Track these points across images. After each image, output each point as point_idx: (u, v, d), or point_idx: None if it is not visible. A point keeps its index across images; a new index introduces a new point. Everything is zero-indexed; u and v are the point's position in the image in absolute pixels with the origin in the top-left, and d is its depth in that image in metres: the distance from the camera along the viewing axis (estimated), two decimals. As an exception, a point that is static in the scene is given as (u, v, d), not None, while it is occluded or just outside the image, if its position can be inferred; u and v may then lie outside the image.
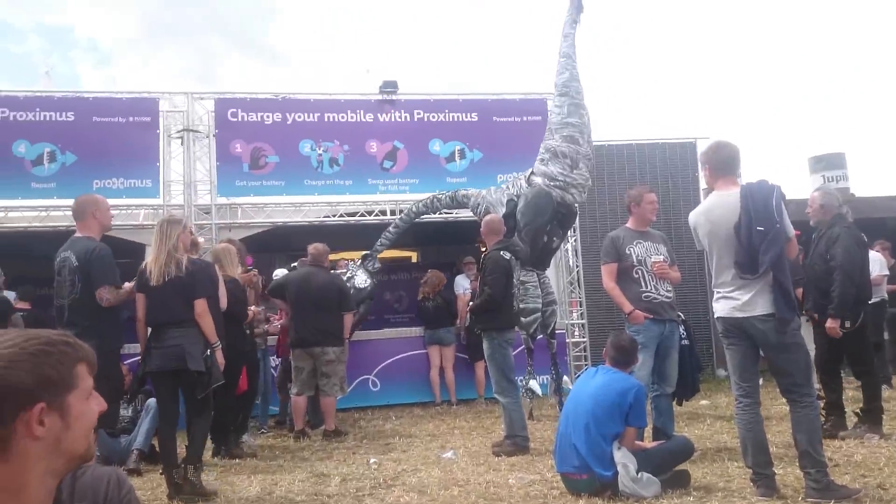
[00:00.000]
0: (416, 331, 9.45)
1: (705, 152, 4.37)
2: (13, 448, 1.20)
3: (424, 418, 7.94)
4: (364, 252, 8.91)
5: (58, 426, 1.24)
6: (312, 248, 7.39)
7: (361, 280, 8.35)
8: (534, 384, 7.54)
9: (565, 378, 7.99)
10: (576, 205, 7.58)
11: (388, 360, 9.16)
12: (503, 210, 7.63)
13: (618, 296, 5.25)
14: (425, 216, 9.58)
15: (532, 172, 7.66)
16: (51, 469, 1.25)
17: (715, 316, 4.38)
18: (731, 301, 4.11)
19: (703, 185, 10.55)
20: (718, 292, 4.26)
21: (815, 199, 5.86)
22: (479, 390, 9.03)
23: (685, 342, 5.41)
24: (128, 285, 5.00)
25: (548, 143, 7.42)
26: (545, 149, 7.42)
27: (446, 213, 9.80)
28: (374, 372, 9.03)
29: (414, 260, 15.61)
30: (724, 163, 4.23)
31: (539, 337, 7.60)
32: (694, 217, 4.35)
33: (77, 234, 5.04)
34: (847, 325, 5.53)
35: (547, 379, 8.48)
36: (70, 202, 8.56)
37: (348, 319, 7.25)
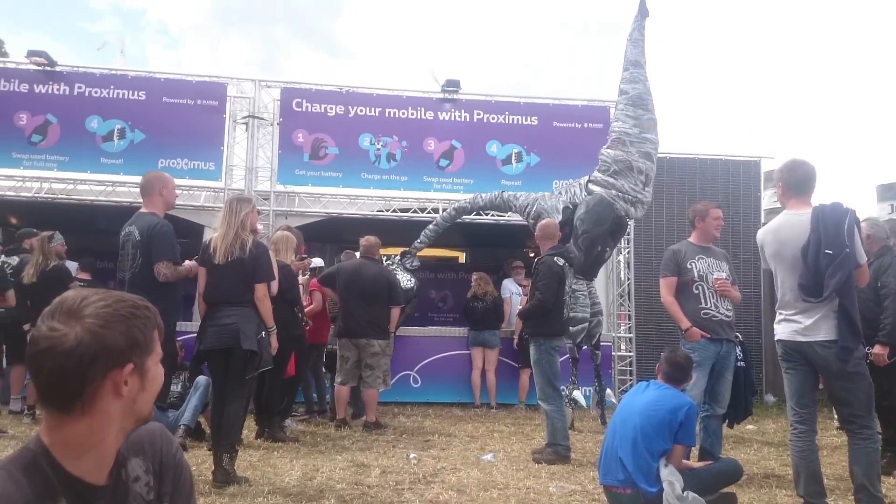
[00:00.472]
0: (460, 331, 9.46)
1: (781, 169, 4.25)
2: (98, 405, 1.25)
3: (463, 419, 7.93)
4: (403, 249, 8.88)
5: (137, 387, 1.30)
6: (364, 240, 7.47)
7: (405, 279, 8.35)
8: (577, 394, 7.45)
9: (608, 391, 7.88)
10: (629, 219, 7.47)
11: (431, 358, 9.18)
12: (559, 217, 7.48)
13: (676, 311, 5.13)
14: (476, 217, 9.58)
15: (590, 180, 7.53)
16: (123, 427, 1.31)
17: (775, 338, 4.26)
18: (792, 324, 4.01)
19: (765, 205, 10.32)
20: (781, 314, 4.15)
21: (862, 230, 5.70)
22: (521, 396, 8.99)
23: (741, 364, 5.27)
24: (188, 263, 5.10)
25: (618, 154, 7.18)
26: (614, 159, 7.18)
27: (497, 215, 9.77)
28: (416, 368, 9.06)
29: (461, 260, 15.63)
30: (798, 182, 4.11)
31: (584, 348, 7.51)
32: (762, 235, 4.25)
33: (142, 210, 5.16)
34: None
35: (589, 391, 8.38)
36: (136, 179, 8.92)
37: (395, 313, 7.29)
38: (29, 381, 7.07)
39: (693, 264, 5.13)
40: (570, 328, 7.22)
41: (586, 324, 7.27)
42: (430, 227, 8.81)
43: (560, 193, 7.84)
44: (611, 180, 7.21)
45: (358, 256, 7.78)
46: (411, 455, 5.70)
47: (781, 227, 4.10)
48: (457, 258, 15.81)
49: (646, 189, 7.21)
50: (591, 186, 7.44)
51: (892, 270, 5.43)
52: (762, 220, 9.73)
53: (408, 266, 8.55)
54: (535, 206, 7.87)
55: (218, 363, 4.86)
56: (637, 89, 7.25)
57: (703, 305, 5.09)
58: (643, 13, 7.37)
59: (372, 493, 4.52)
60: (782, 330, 4.11)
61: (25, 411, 7.04)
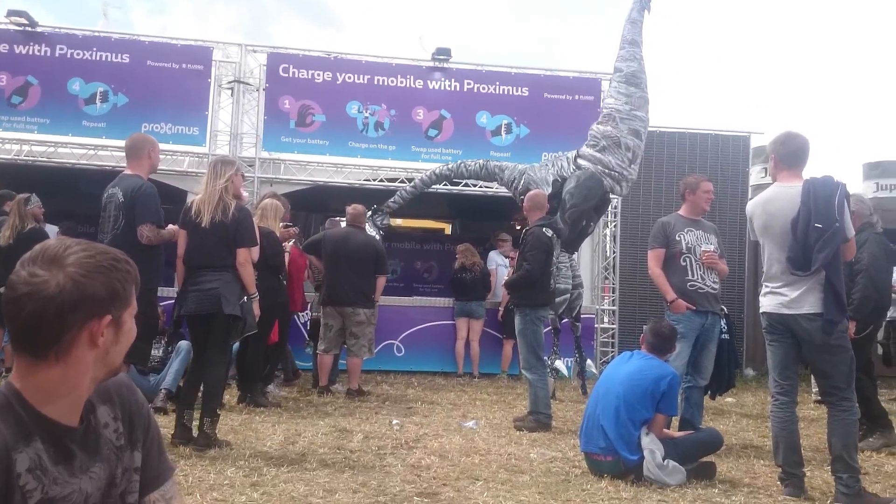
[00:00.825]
0: (444, 301, 9.46)
1: (774, 141, 4.22)
2: (73, 353, 1.26)
3: (446, 387, 7.97)
4: (374, 206, 8.68)
5: (111, 339, 1.30)
6: (351, 208, 7.40)
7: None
8: (559, 364, 7.52)
9: (588, 361, 7.93)
10: (613, 195, 7.51)
11: (415, 328, 9.20)
12: (549, 190, 7.50)
13: (662, 283, 5.13)
14: (463, 188, 9.51)
15: (578, 155, 7.53)
16: (94, 376, 1.32)
17: (760, 310, 4.27)
18: (778, 297, 4.01)
19: (752, 180, 10.34)
20: (766, 286, 4.15)
21: None
22: (504, 366, 9.03)
23: (725, 336, 5.28)
24: (171, 227, 5.02)
25: (607, 130, 7.23)
26: (603, 135, 7.22)
27: (484, 187, 9.71)
28: (400, 338, 9.07)
29: (447, 232, 15.61)
30: (791, 155, 4.09)
31: (564, 319, 7.55)
32: (751, 207, 4.24)
33: (126, 172, 5.05)
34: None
35: (570, 361, 8.43)
36: (119, 142, 8.74)
37: (381, 282, 7.27)
38: (7, 344, 7.00)
39: (682, 236, 5.13)
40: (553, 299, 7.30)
41: (568, 295, 7.32)
42: (408, 187, 8.58)
43: (548, 165, 7.81)
44: (598, 156, 7.25)
45: (344, 225, 7.70)
46: (394, 421, 5.71)
47: (771, 200, 4.09)
48: (443, 230, 15.78)
49: (631, 166, 7.27)
50: (579, 161, 7.46)
51: (868, 247, 5.43)
52: (749, 196, 9.76)
53: (378, 223, 8.36)
54: (523, 179, 7.82)
55: (198, 328, 4.80)
56: (632, 67, 7.30)
57: (690, 277, 5.09)
58: None
59: (354, 457, 4.53)
60: (768, 302, 4.12)
61: (3, 373, 6.98)
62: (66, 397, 1.28)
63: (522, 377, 6.91)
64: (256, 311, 4.90)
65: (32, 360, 1.25)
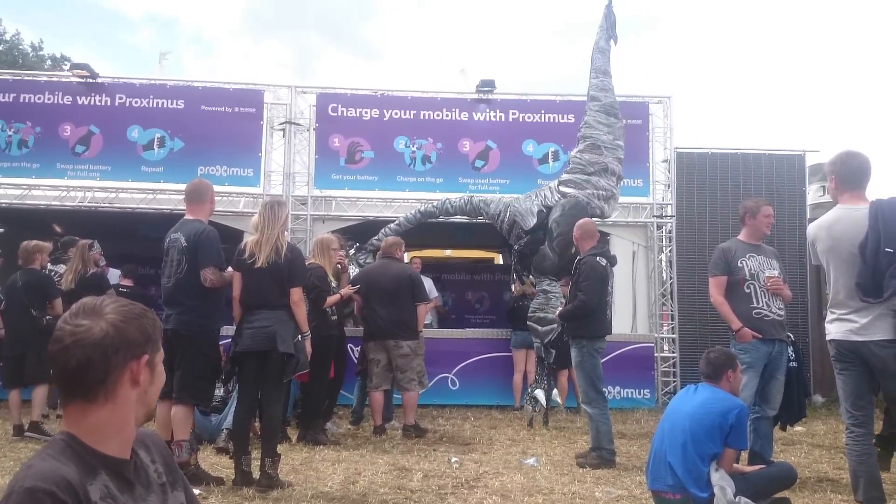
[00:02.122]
0: (497, 333, 9.38)
1: (833, 162, 4.09)
2: (119, 393, 1.39)
3: (504, 422, 7.84)
4: (357, 245, 8.69)
5: (148, 379, 1.44)
6: (385, 240, 7.45)
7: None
8: (539, 393, 7.40)
9: (555, 392, 7.73)
10: (604, 218, 7.68)
11: (469, 360, 9.12)
12: (533, 220, 7.62)
13: (726, 311, 4.98)
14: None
15: (560, 182, 7.61)
16: (137, 416, 1.45)
17: (828, 338, 4.11)
18: (847, 323, 3.86)
19: (810, 200, 10.04)
20: (833, 313, 4.00)
21: None
22: (561, 398, 8.86)
23: (793, 364, 5.10)
24: (229, 270, 5.12)
25: (593, 158, 7.51)
26: (589, 162, 7.49)
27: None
28: (454, 371, 9.01)
29: (497, 261, 15.54)
30: (852, 175, 3.96)
31: (552, 350, 7.50)
32: (814, 230, 4.10)
33: (187, 217, 5.18)
34: None
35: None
36: (176, 186, 9.08)
37: (422, 311, 7.14)
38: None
39: (744, 262, 4.99)
40: (540, 327, 7.33)
41: (556, 325, 7.26)
42: (392, 225, 8.57)
43: (532, 197, 7.92)
44: (587, 178, 7.44)
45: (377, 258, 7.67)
46: (453, 459, 5.65)
47: (836, 223, 3.95)
48: (492, 259, 15.73)
49: (616, 188, 7.56)
50: (563, 189, 7.55)
51: None
52: (808, 216, 9.47)
53: (360, 262, 8.36)
54: (509, 212, 7.94)
55: (251, 366, 4.85)
56: (608, 97, 7.62)
57: (755, 305, 4.94)
58: (612, 24, 7.61)
59: (415, 497, 4.48)
60: (836, 329, 3.96)
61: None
62: (117, 436, 1.40)
63: (581, 411, 6.79)
64: (308, 349, 4.96)
65: (83, 404, 1.37)
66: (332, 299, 6.56)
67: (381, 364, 6.92)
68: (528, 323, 7.65)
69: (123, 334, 1.38)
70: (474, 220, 9.07)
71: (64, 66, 27.82)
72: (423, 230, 9.97)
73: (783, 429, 5.44)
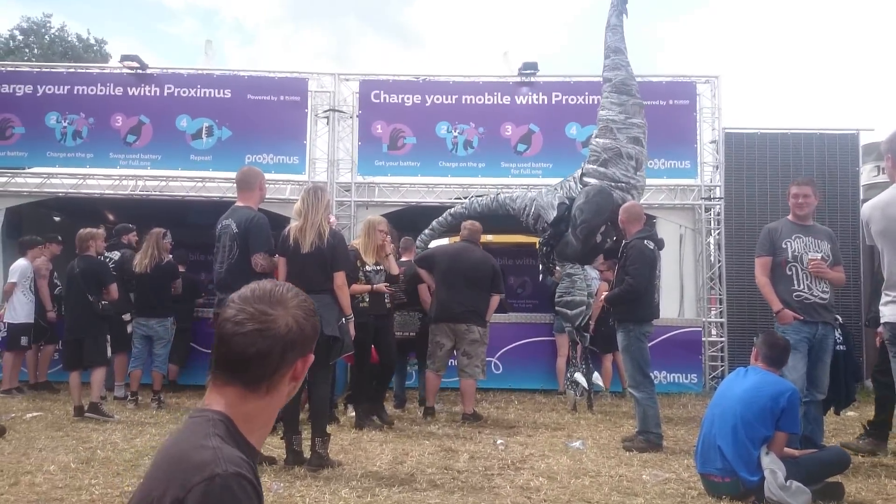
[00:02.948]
0: (540, 317, 9.36)
1: (890, 140, 3.99)
2: (279, 387, 1.36)
3: (547, 406, 7.84)
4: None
5: (302, 374, 1.42)
6: (469, 223, 7.27)
7: None
8: (579, 377, 7.34)
9: (595, 374, 7.63)
10: None
11: (512, 345, 9.13)
12: (554, 213, 7.51)
13: (768, 292, 4.92)
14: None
15: (583, 173, 7.46)
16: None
17: (882, 320, 4.02)
18: (906, 306, 3.76)
19: (864, 180, 9.74)
20: (888, 295, 3.91)
21: None
22: (606, 383, 8.82)
23: (841, 347, 4.97)
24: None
25: (606, 142, 7.20)
26: (603, 148, 7.22)
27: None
28: (497, 355, 9.02)
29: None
30: None
31: (584, 332, 7.44)
32: (868, 210, 4.00)
33: (238, 204, 5.31)
34: None
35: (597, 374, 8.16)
36: (224, 174, 9.26)
37: (495, 301, 7.04)
38: (134, 369, 7.47)
39: (788, 243, 4.90)
40: (570, 311, 7.26)
41: (584, 307, 7.24)
42: (426, 231, 8.60)
43: (556, 190, 7.80)
44: (602, 170, 7.22)
45: (458, 240, 7.57)
46: (498, 441, 5.69)
47: (892, 203, 3.85)
48: (534, 244, 15.64)
49: (637, 173, 7.22)
50: (585, 179, 7.45)
51: None
52: (861, 196, 9.19)
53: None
54: (534, 206, 7.87)
55: None
56: (620, 76, 7.33)
57: (796, 287, 4.86)
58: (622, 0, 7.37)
59: (462, 477, 4.54)
60: (891, 312, 3.87)
61: (129, 397, 7.43)
62: (263, 427, 1.39)
63: (627, 395, 6.76)
64: (352, 331, 5.04)
65: (243, 390, 1.33)
66: (358, 288, 6.25)
67: (446, 348, 6.85)
68: (557, 308, 7.60)
69: (304, 331, 1.36)
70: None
71: (108, 55, 28.55)
72: (479, 218, 9.95)
73: (837, 413, 5.34)
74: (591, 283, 7.70)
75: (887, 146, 4.01)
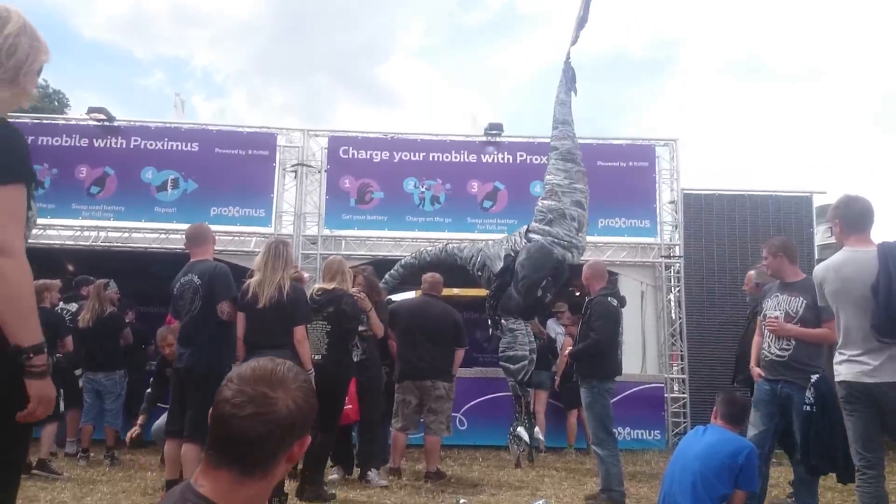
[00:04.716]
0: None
1: (836, 206, 4.16)
2: (275, 471, 1.31)
3: (512, 463, 7.75)
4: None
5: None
6: (429, 276, 7.22)
7: None
8: (521, 431, 7.31)
9: (536, 429, 7.63)
10: (567, 264, 7.55)
11: (477, 400, 9.08)
12: (500, 264, 7.62)
13: (754, 352, 5.13)
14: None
15: (528, 230, 7.73)
16: None
17: (837, 379, 4.10)
18: (858, 365, 3.86)
19: (818, 240, 10.06)
20: (842, 354, 4.00)
21: (750, 278, 6.36)
22: (570, 439, 8.81)
23: (807, 408, 4.84)
24: None
25: (551, 204, 7.56)
26: (548, 209, 7.54)
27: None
28: (462, 410, 8.96)
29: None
30: (856, 218, 4.02)
31: (527, 387, 7.42)
32: (822, 272, 4.13)
33: (195, 259, 5.29)
34: None
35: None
36: (187, 226, 9.19)
37: (459, 355, 6.97)
38: (85, 424, 7.23)
39: (767, 302, 5.04)
40: (511, 366, 7.29)
41: (526, 361, 7.27)
42: (381, 283, 8.65)
43: (502, 242, 7.99)
44: (547, 228, 7.47)
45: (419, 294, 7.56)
46: (461, 501, 5.61)
47: (844, 265, 3.98)
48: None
49: (579, 234, 7.51)
50: (530, 235, 7.68)
51: None
52: (816, 256, 9.48)
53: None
54: (480, 256, 7.99)
55: None
56: (566, 145, 7.70)
57: (764, 345, 4.97)
58: (572, 78, 7.76)
59: (424, 539, 4.45)
60: (846, 371, 3.96)
61: (80, 454, 7.17)
62: None
63: (591, 452, 6.73)
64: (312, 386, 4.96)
65: (238, 476, 1.26)
66: None
67: (412, 405, 6.69)
68: (500, 363, 7.62)
69: (304, 413, 1.31)
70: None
71: (67, 105, 28.41)
72: (430, 268, 10.01)
73: (840, 482, 5.10)
74: (530, 337, 7.71)
75: (834, 212, 4.18)
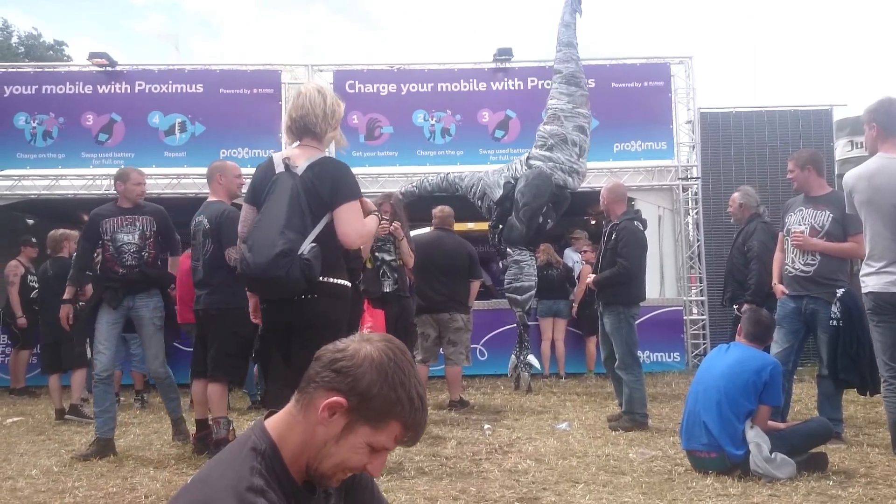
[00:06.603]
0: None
1: (874, 110, 3.98)
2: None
3: (533, 390, 7.87)
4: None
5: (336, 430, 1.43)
6: (438, 210, 7.15)
7: None
8: (532, 359, 7.49)
9: (531, 356, 7.68)
10: (569, 190, 7.54)
11: (496, 331, 9.15)
12: (500, 192, 7.61)
13: (775, 268, 5.10)
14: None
15: (529, 156, 7.64)
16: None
17: (864, 290, 4.05)
18: (886, 276, 3.80)
19: (838, 155, 9.84)
20: (871, 266, 3.94)
21: (734, 200, 6.20)
22: (590, 365, 8.89)
23: (833, 323, 4.78)
24: None
25: (553, 129, 7.47)
26: (550, 134, 7.47)
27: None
28: (482, 342, 9.04)
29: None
30: (894, 122, 3.85)
31: (531, 316, 7.65)
32: (852, 179, 4.00)
33: (209, 199, 5.27)
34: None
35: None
36: (199, 170, 9.13)
37: (475, 287, 7.00)
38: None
39: (789, 217, 4.95)
40: (518, 297, 7.40)
41: (533, 292, 7.43)
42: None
43: (502, 170, 7.94)
44: (548, 154, 7.44)
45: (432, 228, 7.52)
46: (486, 426, 5.69)
47: (877, 173, 3.86)
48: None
49: (580, 160, 7.51)
50: (530, 161, 7.62)
51: (758, 235, 5.71)
52: (836, 172, 9.30)
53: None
54: (480, 185, 7.95)
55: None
56: (570, 68, 7.64)
57: (786, 261, 4.90)
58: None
59: (451, 464, 4.53)
60: (874, 282, 3.90)
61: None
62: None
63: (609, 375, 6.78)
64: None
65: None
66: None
67: (431, 338, 6.79)
68: (507, 295, 7.64)
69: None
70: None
71: (63, 52, 28.01)
72: (452, 202, 9.93)
73: (862, 394, 5.12)
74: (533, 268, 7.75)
75: (871, 115, 3.99)
